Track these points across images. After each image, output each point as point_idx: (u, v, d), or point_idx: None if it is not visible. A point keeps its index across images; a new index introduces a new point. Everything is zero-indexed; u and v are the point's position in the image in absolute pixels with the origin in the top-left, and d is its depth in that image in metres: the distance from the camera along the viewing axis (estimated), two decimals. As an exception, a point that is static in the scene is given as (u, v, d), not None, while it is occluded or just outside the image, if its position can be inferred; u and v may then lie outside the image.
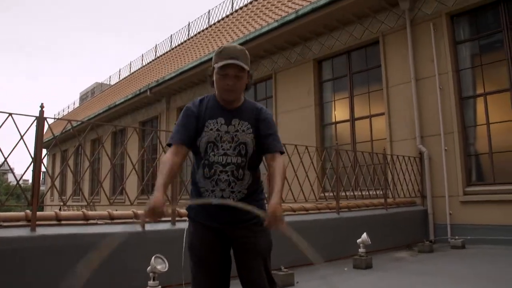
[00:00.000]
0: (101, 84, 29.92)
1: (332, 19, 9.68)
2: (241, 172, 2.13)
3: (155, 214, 1.89)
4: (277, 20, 10.35)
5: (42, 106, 3.75)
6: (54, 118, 4.00)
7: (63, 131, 4.67)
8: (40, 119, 3.72)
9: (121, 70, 23.08)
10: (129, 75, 21.52)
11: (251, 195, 2.19)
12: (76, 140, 20.53)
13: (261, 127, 2.18)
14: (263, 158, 2.26)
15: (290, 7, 10.61)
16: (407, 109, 8.50)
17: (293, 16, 9.84)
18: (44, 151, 31.45)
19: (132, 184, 11.61)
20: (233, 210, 2.06)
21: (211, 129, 2.14)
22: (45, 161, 29.60)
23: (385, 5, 8.92)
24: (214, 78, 2.16)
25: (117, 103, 17.96)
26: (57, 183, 17.98)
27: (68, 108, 29.40)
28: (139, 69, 20.51)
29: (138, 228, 4.14)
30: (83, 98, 33.09)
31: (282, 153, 2.19)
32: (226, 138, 2.14)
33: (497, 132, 7.58)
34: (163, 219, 4.44)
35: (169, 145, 2.16)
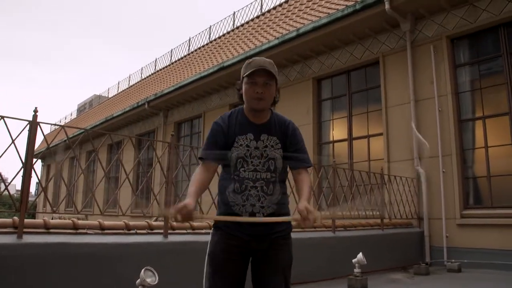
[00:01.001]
0: (99, 97, 29.89)
1: (333, 38, 9.72)
2: (271, 188, 2.16)
3: (184, 215, 1.91)
4: (277, 38, 10.39)
5: (35, 111, 3.68)
6: (48, 124, 3.93)
7: (58, 141, 4.59)
8: (33, 124, 3.65)
9: (120, 83, 23.09)
10: (127, 88, 21.52)
11: (280, 209, 2.20)
12: (71, 152, 20.42)
13: (288, 142, 2.22)
14: (290, 172, 2.29)
15: (291, 25, 10.67)
16: (406, 130, 8.47)
17: (294, 34, 9.89)
18: (39, 162, 31.30)
19: (126, 196, 11.45)
20: (260, 225, 2.11)
21: (241, 145, 2.17)
22: (38, 171, 29.30)
23: (386, 26, 8.96)
24: (243, 89, 2.17)
25: (114, 115, 17.91)
26: (50, 194, 17.80)
27: (65, 118, 29.31)
28: (137, 82, 20.51)
29: (129, 239, 4.08)
30: (81, 109, 33.03)
31: (309, 166, 2.26)
32: (255, 154, 2.16)
33: (496, 156, 7.54)
34: (156, 231, 4.38)
35: (201, 158, 2.21)
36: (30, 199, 3.89)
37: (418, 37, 8.57)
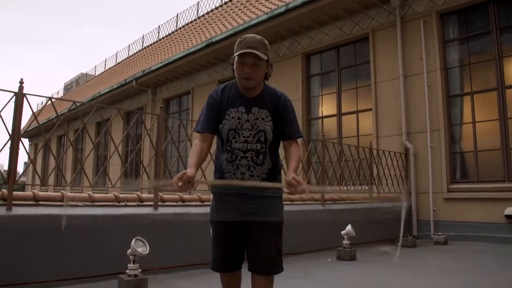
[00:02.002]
0: (86, 75, 29.46)
1: (322, 14, 9.64)
2: (260, 158, 2.28)
3: (184, 182, 1.99)
4: (266, 13, 10.27)
5: (21, 82, 3.63)
6: (35, 95, 3.83)
7: (46, 119, 4.52)
8: (19, 95, 3.59)
9: (107, 60, 22.76)
10: (114, 66, 21.23)
11: (270, 178, 2.31)
12: (59, 130, 20.20)
13: (279, 115, 2.30)
14: (281, 143, 2.38)
15: (280, 0, 10.54)
16: (395, 105, 8.50)
17: (283, 9, 9.78)
18: (26, 141, 30.95)
19: (115, 174, 11.42)
20: (252, 188, 2.21)
21: (233, 117, 2.27)
22: (27, 147, 29.13)
23: (376, 1, 8.91)
24: (234, 67, 2.25)
25: (102, 93, 17.70)
26: (39, 171, 17.65)
27: (52, 96, 28.93)
28: (125, 59, 20.23)
29: (119, 211, 4.07)
30: (68, 88, 32.57)
31: (299, 137, 2.34)
32: (246, 126, 2.26)
33: (483, 131, 7.63)
34: (146, 203, 4.38)
35: (197, 131, 2.32)
36: (20, 179, 3.86)
37: (408, 12, 8.54)
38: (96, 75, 24.18)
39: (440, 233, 7.23)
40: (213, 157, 2.54)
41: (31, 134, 28.02)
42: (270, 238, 2.25)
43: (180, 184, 1.99)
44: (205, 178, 2.50)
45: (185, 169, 2.09)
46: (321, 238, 5.88)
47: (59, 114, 4.32)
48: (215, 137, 2.38)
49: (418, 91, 8.20)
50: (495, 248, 6.42)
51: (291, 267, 4.64)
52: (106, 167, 4.43)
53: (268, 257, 2.22)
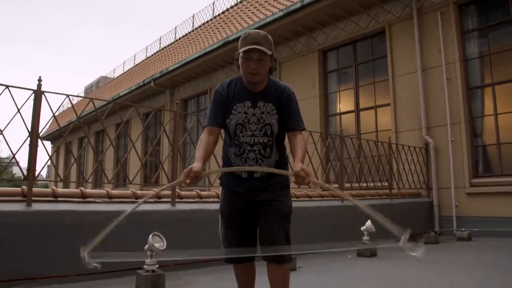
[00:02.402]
0: (105, 78, 29.80)
1: (337, 9, 9.55)
2: (268, 151, 2.35)
3: (191, 178, 2.06)
4: (282, 10, 10.22)
5: (40, 80, 3.67)
6: (53, 93, 3.88)
7: (67, 122, 4.56)
8: (38, 93, 3.64)
9: (125, 62, 23.00)
10: (133, 67, 21.43)
11: (278, 168, 2.37)
12: (80, 132, 20.46)
13: (283, 107, 2.35)
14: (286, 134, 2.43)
15: (295, -4, 10.47)
16: (413, 99, 8.37)
17: (298, 5, 9.71)
18: (49, 144, 31.48)
19: (134, 171, 11.53)
20: (259, 178, 2.33)
21: (239, 112, 2.34)
22: (49, 151, 29.58)
23: (392, -6, 8.79)
24: (239, 62, 2.31)
25: (121, 94, 17.88)
26: (61, 173, 17.92)
27: (73, 100, 29.38)
28: (143, 60, 20.41)
29: (137, 208, 4.08)
30: (88, 91, 32.99)
31: (302, 129, 2.38)
32: (253, 120, 2.33)
33: (505, 123, 7.45)
34: (164, 199, 4.38)
35: (205, 126, 2.39)
36: (41, 181, 3.91)
37: (425, 4, 8.39)
38: (115, 77, 24.45)
39: (463, 229, 7.08)
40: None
41: (53, 137, 28.49)
42: (278, 227, 2.29)
43: (188, 181, 2.06)
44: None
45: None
46: (340, 234, 5.79)
47: (81, 116, 4.38)
48: (222, 131, 2.45)
49: (437, 84, 8.06)
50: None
51: (311, 263, 4.64)
52: (126, 166, 4.44)
53: (279, 245, 2.25)
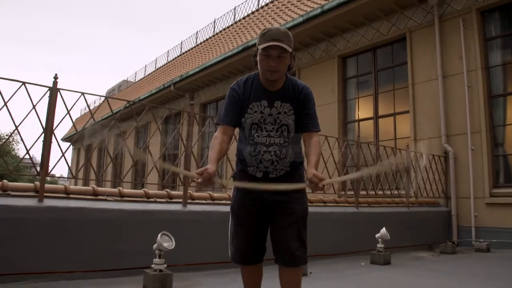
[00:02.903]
0: (127, 82, 30.18)
1: (358, 15, 9.48)
2: (284, 152, 2.27)
3: (204, 178, 2.00)
4: (302, 15, 10.20)
5: (56, 77, 3.72)
6: (68, 90, 3.92)
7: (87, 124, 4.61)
8: (53, 90, 3.69)
9: (146, 66, 23.27)
10: (154, 71, 21.67)
11: (293, 169, 2.34)
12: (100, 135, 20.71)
13: (300, 107, 2.28)
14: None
15: (315, 3, 10.44)
16: (433, 107, 8.24)
17: (318, 11, 9.68)
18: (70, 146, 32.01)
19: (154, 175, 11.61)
20: (274, 179, 2.27)
21: (255, 111, 2.27)
22: (69, 154, 29.86)
23: (413, 0, 8.69)
24: (258, 59, 2.22)
25: (141, 97, 18.07)
26: (81, 173, 18.14)
27: (94, 103, 29.76)
28: (164, 65, 20.61)
29: (148, 207, 4.10)
30: (110, 94, 33.46)
31: (318, 131, 2.32)
32: (269, 120, 2.26)
33: (528, 132, 7.26)
34: (175, 200, 4.39)
35: (218, 124, 2.33)
36: (61, 183, 3.96)
37: (446, 11, 8.27)
38: (136, 81, 24.74)
39: (481, 240, 6.90)
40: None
41: (73, 140, 28.88)
42: (294, 229, 2.22)
43: (200, 180, 1.99)
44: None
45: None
46: (355, 241, 5.73)
47: (101, 119, 4.43)
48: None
49: (458, 92, 7.91)
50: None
51: (324, 269, 4.58)
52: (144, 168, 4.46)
53: (292, 249, 2.20)
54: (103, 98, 28.97)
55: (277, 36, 2.14)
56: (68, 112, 3.81)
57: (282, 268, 2.25)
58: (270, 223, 2.30)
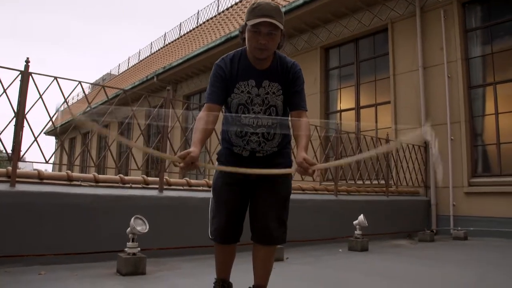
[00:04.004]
0: (110, 75, 29.86)
1: (340, 6, 9.48)
2: (271, 134, 2.18)
3: (186, 162, 1.87)
4: (284, 6, 10.16)
5: (27, 61, 3.65)
6: (40, 74, 3.80)
7: (68, 119, 4.54)
8: (25, 74, 3.62)
9: (130, 58, 23.04)
10: (137, 63, 21.47)
11: (281, 150, 2.27)
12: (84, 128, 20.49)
13: (288, 85, 2.18)
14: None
15: (298, -7, 10.41)
16: (414, 97, 8.29)
17: (301, 1, 9.64)
18: (53, 139, 31.55)
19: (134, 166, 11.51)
20: (260, 158, 2.20)
21: (242, 91, 2.15)
22: (52, 147, 29.41)
23: (395, -9, 8.72)
24: (246, 36, 2.09)
25: (119, 92, 17.88)
26: (64, 168, 17.88)
27: (78, 96, 29.38)
28: (147, 57, 20.43)
29: (123, 192, 4.05)
30: (93, 88, 33.06)
31: (306, 110, 2.22)
32: (256, 101, 2.15)
33: (506, 123, 7.35)
34: (151, 186, 4.34)
35: (204, 103, 2.20)
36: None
37: (428, 2, 8.31)
38: (119, 73, 24.49)
39: (459, 228, 7.00)
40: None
41: (55, 133, 28.56)
42: (275, 209, 2.18)
43: (182, 164, 1.86)
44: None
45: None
46: (334, 228, 5.75)
47: (81, 113, 4.35)
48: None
49: (438, 83, 7.97)
50: (518, 243, 6.16)
51: (301, 254, 4.60)
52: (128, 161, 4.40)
53: (270, 228, 2.17)
54: (87, 89, 28.46)
55: (268, 12, 2.00)
56: (41, 96, 3.73)
57: (258, 245, 2.21)
58: (251, 201, 2.24)
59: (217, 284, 2.34)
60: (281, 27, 2.05)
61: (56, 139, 32.35)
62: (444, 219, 7.56)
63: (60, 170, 20.97)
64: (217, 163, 2.37)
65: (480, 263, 4.55)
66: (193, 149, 1.91)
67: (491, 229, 6.83)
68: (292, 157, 2.36)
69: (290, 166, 2.25)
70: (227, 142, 2.27)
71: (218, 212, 2.22)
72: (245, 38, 2.11)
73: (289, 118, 2.25)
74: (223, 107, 2.24)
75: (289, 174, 2.26)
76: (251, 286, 2.24)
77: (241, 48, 2.22)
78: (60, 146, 5.36)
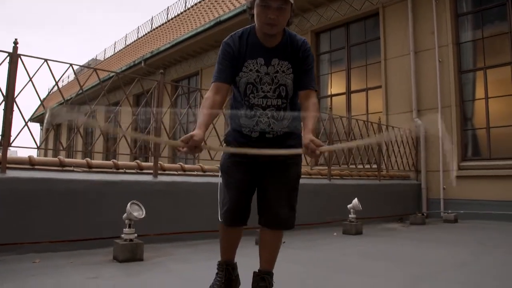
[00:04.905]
0: (96, 60, 29.42)
1: (332, -11, 9.41)
2: (281, 114, 2.11)
3: (190, 147, 1.81)
4: (275, -11, 10.04)
5: (15, 42, 3.54)
6: (29, 56, 3.72)
7: (57, 103, 4.42)
8: (14, 56, 3.51)
9: (116, 43, 22.68)
10: (124, 48, 21.15)
11: (291, 131, 2.18)
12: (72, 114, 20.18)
13: (299, 64, 2.09)
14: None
15: (289, -24, 10.29)
16: (405, 82, 8.30)
17: (292, -16, 9.53)
18: (38, 126, 31.16)
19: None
20: (270, 139, 2.12)
21: (251, 70, 2.07)
22: (37, 134, 29.09)
23: (386, -25, 8.67)
24: (255, 11, 2.00)
25: (111, 75, 17.63)
26: (50, 153, 17.67)
27: (62, 82, 28.96)
28: (134, 41, 20.13)
29: (117, 177, 3.99)
30: (78, 74, 32.56)
31: (316, 90, 2.14)
32: (266, 80, 2.07)
33: (495, 107, 7.41)
34: (146, 171, 4.29)
35: (212, 82, 2.11)
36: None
37: (420, -15, 8.28)
38: (105, 58, 24.11)
39: (450, 211, 7.08)
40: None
41: (42, 119, 28.21)
42: (285, 193, 2.13)
43: (185, 149, 1.80)
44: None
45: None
46: (328, 212, 5.76)
47: (67, 98, 4.25)
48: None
49: (429, 67, 7.99)
50: (507, 226, 6.25)
51: (297, 238, 4.60)
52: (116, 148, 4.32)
53: (280, 212, 2.11)
54: (72, 76, 27.98)
55: None
56: (30, 79, 3.63)
57: (265, 229, 2.16)
58: (260, 183, 2.16)
59: (221, 266, 2.29)
60: (291, 0, 1.97)
61: (41, 126, 31.99)
62: (435, 202, 7.64)
63: (46, 155, 20.73)
64: (224, 144, 2.31)
65: (471, 244, 4.60)
66: (197, 131, 1.84)
67: (481, 212, 6.93)
68: None
69: (300, 146, 2.13)
70: (235, 123, 2.19)
71: (228, 193, 2.15)
72: (253, 15, 2.03)
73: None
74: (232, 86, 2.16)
75: (299, 156, 2.19)
76: (257, 271, 2.21)
77: (249, 26, 2.13)
78: (50, 130, 5.22)
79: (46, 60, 3.72)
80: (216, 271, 2.31)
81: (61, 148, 4.35)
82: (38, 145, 3.69)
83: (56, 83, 3.79)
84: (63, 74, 4.11)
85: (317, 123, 2.14)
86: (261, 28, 2.02)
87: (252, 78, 2.07)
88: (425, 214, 7.17)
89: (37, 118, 26.72)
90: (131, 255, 3.24)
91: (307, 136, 1.89)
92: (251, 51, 2.07)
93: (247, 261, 2.39)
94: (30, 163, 3.64)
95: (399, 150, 7.64)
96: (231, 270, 2.30)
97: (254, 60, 2.07)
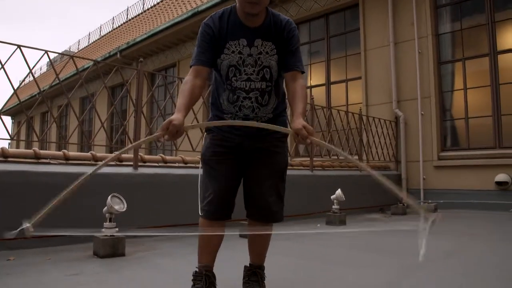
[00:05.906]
0: (69, 52, 28.73)
1: (311, -21, 9.34)
2: (266, 98, 1.99)
3: (171, 133, 1.70)
4: (254, -21, 9.91)
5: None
6: (2, 42, 3.51)
7: (28, 96, 4.22)
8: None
9: (90, 34, 22.15)
10: (98, 39, 20.67)
11: (276, 116, 2.08)
12: (44, 107, 19.72)
13: (283, 45, 1.97)
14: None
15: (268, -34, 10.17)
16: (385, 73, 8.31)
17: (271, -26, 9.42)
18: (9, 119, 30.36)
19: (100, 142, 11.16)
20: (254, 129, 1.96)
21: (233, 52, 1.94)
22: (8, 127, 28.35)
23: (366, -35, 8.63)
24: None
25: (85, 66, 17.22)
26: (22, 147, 17.21)
27: (35, 73, 28.21)
28: (109, 32, 19.68)
29: (97, 170, 3.84)
30: (51, 65, 31.78)
31: (303, 72, 2.02)
32: (249, 62, 1.94)
33: (474, 98, 7.49)
34: (125, 163, 4.15)
35: (191, 66, 1.97)
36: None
37: (399, -24, 8.28)
38: (79, 49, 23.55)
39: (430, 201, 7.13)
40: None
41: (14, 112, 27.54)
42: (272, 183, 2.01)
43: (166, 137, 1.70)
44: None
45: None
46: (311, 203, 5.73)
47: (41, 90, 4.06)
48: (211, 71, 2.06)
49: (409, 58, 8.01)
50: (486, 214, 6.34)
51: (283, 230, 4.51)
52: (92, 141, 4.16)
53: (267, 205, 1.99)
54: (45, 68, 27.26)
55: None
56: (2, 66, 3.45)
57: (254, 223, 2.05)
58: (246, 174, 2.05)
59: (199, 274, 1.99)
60: None
61: (12, 118, 31.16)
62: (415, 192, 7.69)
63: (18, 147, 20.19)
64: (205, 133, 2.16)
65: (453, 233, 4.62)
66: (176, 116, 1.73)
67: (459, 201, 7.01)
68: (288, 126, 2.20)
69: (286, 136, 2.09)
70: (217, 109, 2.07)
71: (211, 185, 1.99)
72: None
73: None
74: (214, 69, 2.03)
75: (286, 143, 2.11)
76: (248, 265, 2.13)
77: (230, 5, 2.00)
78: (25, 121, 5.01)
79: (19, 46, 3.54)
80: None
81: (36, 139, 4.16)
82: (12, 136, 3.50)
83: (30, 71, 3.61)
84: (37, 62, 3.91)
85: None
86: (243, 7, 1.89)
87: (235, 60, 1.94)
88: (405, 204, 7.21)
89: (7, 111, 26.00)
90: (112, 250, 3.11)
91: (298, 121, 1.77)
92: (232, 31, 1.95)
93: (232, 254, 2.30)
94: (3, 155, 3.47)
95: (380, 141, 7.65)
96: (212, 278, 2.00)
97: (236, 41, 1.94)
